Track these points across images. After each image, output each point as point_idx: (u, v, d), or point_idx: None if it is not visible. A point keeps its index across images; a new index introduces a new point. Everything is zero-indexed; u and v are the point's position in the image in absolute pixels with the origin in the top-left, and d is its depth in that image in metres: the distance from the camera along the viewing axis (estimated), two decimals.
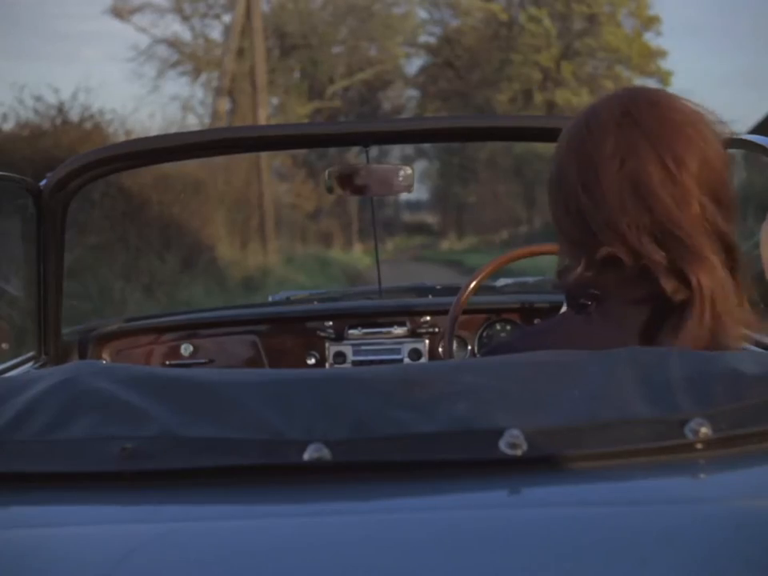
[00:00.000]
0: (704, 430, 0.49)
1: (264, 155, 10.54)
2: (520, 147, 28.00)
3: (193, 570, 0.42)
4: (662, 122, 0.74)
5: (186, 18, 26.34)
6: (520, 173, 29.36)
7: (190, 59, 26.46)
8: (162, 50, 26.39)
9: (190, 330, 1.49)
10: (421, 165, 37.94)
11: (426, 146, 37.10)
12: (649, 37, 28.62)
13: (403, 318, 1.46)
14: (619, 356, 0.56)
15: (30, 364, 1.23)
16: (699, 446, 0.49)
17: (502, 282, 1.65)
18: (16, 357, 1.22)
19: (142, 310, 6.06)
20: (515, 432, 0.48)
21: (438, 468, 0.49)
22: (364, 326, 1.46)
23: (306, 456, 0.49)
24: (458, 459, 0.48)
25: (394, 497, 0.48)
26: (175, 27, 30.19)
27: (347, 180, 1.33)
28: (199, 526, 0.47)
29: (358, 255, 20.39)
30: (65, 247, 1.28)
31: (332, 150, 22.75)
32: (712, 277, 0.70)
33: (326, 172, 1.34)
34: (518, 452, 0.48)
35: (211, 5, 26.53)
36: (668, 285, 0.70)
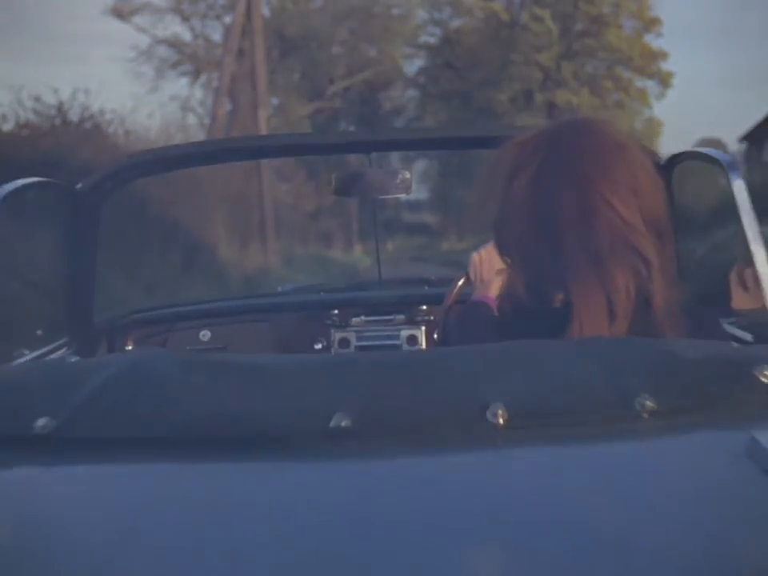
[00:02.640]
0: (649, 404, 0.61)
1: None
2: None
3: (246, 514, 0.52)
4: (582, 145, 0.80)
5: (185, 19, 26.34)
6: None
7: (190, 60, 26.45)
8: (162, 51, 26.40)
9: (207, 318, 1.59)
10: (421, 165, 37.87)
11: None
12: (650, 38, 28.61)
13: (401, 308, 1.57)
14: (586, 344, 0.70)
15: (64, 350, 1.30)
16: (645, 416, 0.61)
17: None
18: (50, 343, 1.29)
19: None
20: (498, 405, 0.60)
21: (438, 431, 0.60)
22: (366, 315, 1.57)
23: (332, 423, 0.60)
24: (453, 424, 0.60)
25: (404, 456, 0.60)
26: (175, 28, 30.20)
27: (351, 184, 1.44)
28: (253, 480, 0.58)
29: (358, 255, 20.38)
30: (97, 245, 1.39)
31: None
32: (584, 295, 0.77)
33: (333, 176, 1.45)
34: (501, 420, 0.60)
35: (211, 5, 26.52)
36: (532, 299, 0.81)
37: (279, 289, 1.99)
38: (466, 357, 0.67)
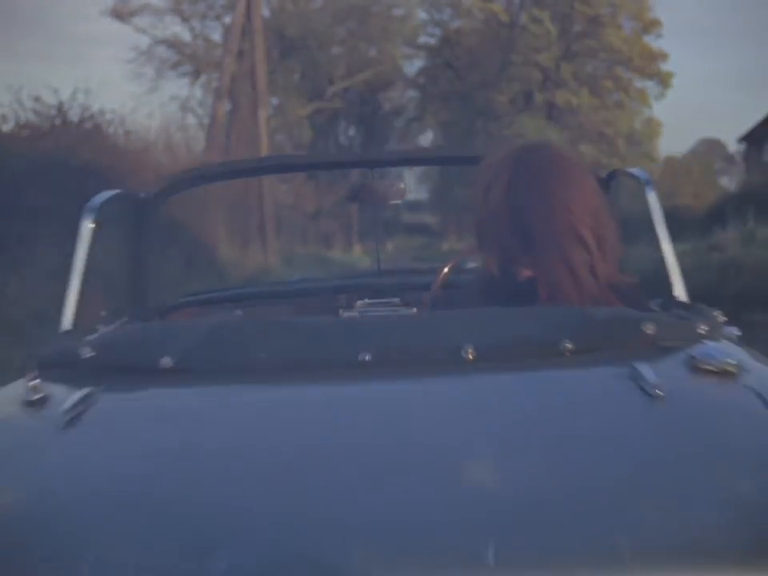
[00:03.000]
0: (569, 346, 0.93)
1: (265, 156, 10.71)
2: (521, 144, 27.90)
3: (316, 411, 0.83)
4: (543, 163, 1.11)
5: (185, 19, 26.31)
6: None
7: (189, 60, 26.42)
8: (162, 51, 26.36)
9: (239, 301, 1.93)
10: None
11: (426, 146, 36.90)
12: (649, 39, 28.56)
13: (398, 292, 1.91)
14: (530, 310, 1.03)
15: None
16: (567, 354, 0.93)
17: (471, 264, 2.07)
18: (113, 321, 1.55)
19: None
20: (469, 346, 0.92)
21: (428, 364, 0.93)
22: (369, 298, 1.89)
23: (359, 358, 0.92)
24: (438, 360, 0.93)
25: (406, 380, 0.92)
26: (175, 28, 30.14)
27: (358, 192, 1.83)
28: (314, 391, 0.90)
29: (358, 256, 20.37)
30: (154, 242, 1.77)
31: (331, 153, 25.82)
32: (552, 270, 1.07)
33: (348, 189, 1.88)
34: (471, 357, 0.92)
35: (211, 5, 26.49)
36: (503, 276, 1.11)
37: (290, 280, 2.44)
38: (447, 317, 1.01)
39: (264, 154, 10.84)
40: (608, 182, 1.51)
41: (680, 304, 1.19)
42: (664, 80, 28.36)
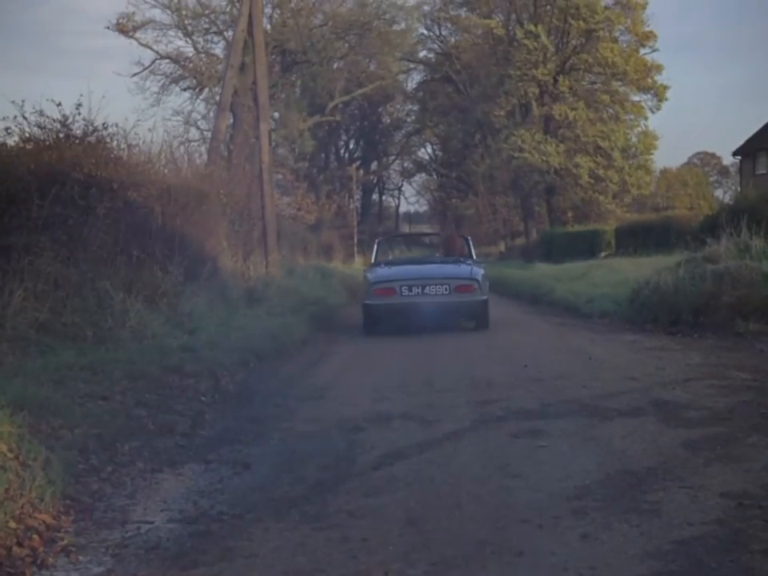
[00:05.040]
0: (441, 257, 11.36)
1: (266, 169, 10.87)
2: (518, 159, 28.07)
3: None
4: (453, 240, 11.72)
5: (188, 35, 26.51)
6: (517, 185, 29.41)
7: (192, 75, 26.60)
8: (165, 66, 26.55)
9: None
10: (420, 178, 37.89)
11: (425, 159, 37.03)
12: (645, 52, 28.73)
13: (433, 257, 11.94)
14: (447, 257, 10.49)
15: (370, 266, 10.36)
16: (449, 260, 10.10)
17: (439, 253, 13.71)
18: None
19: (144, 320, 6.13)
20: (437, 259, 10.88)
21: (433, 261, 10.30)
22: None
23: (423, 260, 11.53)
24: (433, 261, 10.84)
25: (427, 263, 10.38)
26: (178, 43, 30.30)
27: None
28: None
29: (359, 266, 20.47)
30: (385, 249, 12.81)
31: (332, 166, 31.02)
32: (457, 252, 10.63)
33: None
34: (438, 261, 10.28)
35: (213, 21, 26.70)
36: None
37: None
38: (434, 256, 14.43)
39: (265, 167, 11.01)
40: (466, 238, 10.59)
41: (474, 259, 9.58)
42: (659, 93, 28.49)
